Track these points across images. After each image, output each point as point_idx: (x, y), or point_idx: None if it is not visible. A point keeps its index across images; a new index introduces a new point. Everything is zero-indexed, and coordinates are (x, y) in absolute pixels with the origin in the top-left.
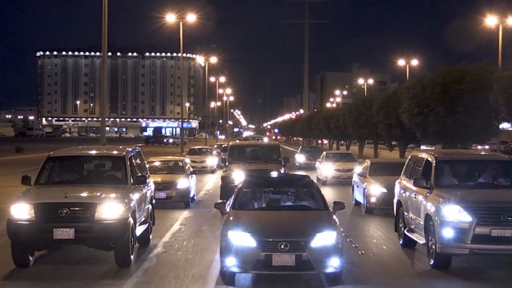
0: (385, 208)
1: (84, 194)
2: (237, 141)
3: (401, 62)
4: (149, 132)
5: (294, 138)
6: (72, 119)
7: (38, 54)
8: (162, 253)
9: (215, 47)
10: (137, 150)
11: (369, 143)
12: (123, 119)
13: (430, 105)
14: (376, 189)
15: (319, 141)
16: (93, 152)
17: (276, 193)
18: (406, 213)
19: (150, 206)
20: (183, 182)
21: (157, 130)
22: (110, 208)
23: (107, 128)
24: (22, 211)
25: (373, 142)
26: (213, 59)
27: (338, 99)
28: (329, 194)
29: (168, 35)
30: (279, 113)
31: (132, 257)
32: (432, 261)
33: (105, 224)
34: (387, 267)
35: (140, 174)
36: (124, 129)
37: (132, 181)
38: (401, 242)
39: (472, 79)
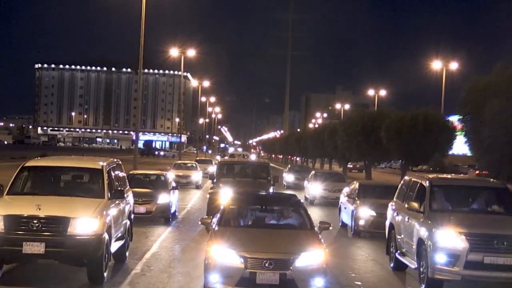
0: (374, 231)
1: (58, 207)
2: (226, 158)
3: (371, 92)
4: (139, 144)
5: (274, 156)
6: (67, 129)
7: (36, 66)
8: (138, 272)
9: (206, 68)
10: (116, 162)
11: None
12: (115, 131)
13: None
14: (365, 212)
15: (292, 158)
16: (70, 163)
17: (263, 211)
18: (398, 236)
19: (128, 222)
20: (164, 197)
21: (148, 143)
22: (84, 223)
23: (99, 140)
24: None
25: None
26: (204, 81)
27: (320, 121)
28: (316, 214)
29: (162, 53)
30: (264, 130)
31: (105, 274)
32: (423, 286)
33: (78, 240)
34: None
35: (118, 188)
36: (115, 141)
37: (109, 195)
38: (392, 265)
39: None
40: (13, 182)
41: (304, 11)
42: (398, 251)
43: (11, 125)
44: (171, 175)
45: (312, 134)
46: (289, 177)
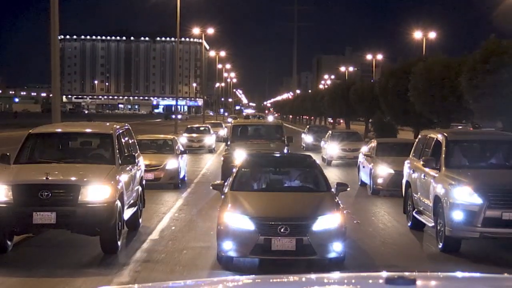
0: (392, 189)
1: (67, 175)
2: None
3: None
4: (159, 109)
5: (292, 116)
6: (90, 97)
7: (58, 37)
8: (153, 240)
9: (221, 36)
10: (126, 127)
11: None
12: (136, 97)
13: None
14: (383, 170)
15: (305, 117)
16: (79, 129)
17: (277, 174)
18: (414, 195)
19: (140, 188)
20: (172, 163)
21: (168, 107)
22: (95, 190)
23: (121, 106)
24: None
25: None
26: (213, 32)
27: (328, 82)
28: (334, 174)
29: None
30: (278, 91)
31: (119, 243)
32: (441, 244)
33: (89, 208)
34: (394, 250)
35: (128, 154)
36: (136, 106)
37: (120, 161)
38: (409, 224)
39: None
40: (20, 150)
41: None
42: (415, 210)
43: (33, 94)
44: (183, 139)
45: (329, 91)
46: (308, 138)
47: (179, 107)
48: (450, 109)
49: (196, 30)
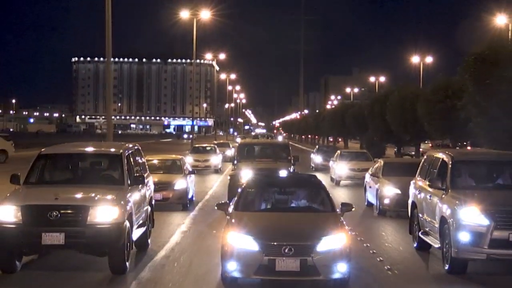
0: (399, 210)
1: (76, 196)
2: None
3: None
4: (170, 129)
5: (298, 136)
6: (103, 117)
7: (73, 60)
8: (161, 260)
9: (231, 58)
10: (136, 147)
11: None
12: (147, 118)
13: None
14: (389, 190)
15: (310, 136)
16: (88, 149)
17: (282, 194)
18: (420, 215)
19: (149, 208)
20: (180, 183)
21: (179, 127)
22: (104, 211)
23: (133, 126)
24: (8, 213)
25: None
26: (223, 56)
27: (335, 102)
28: (343, 194)
29: (189, 43)
30: (287, 111)
31: (127, 263)
32: (447, 266)
33: (98, 229)
34: (400, 271)
35: (138, 174)
36: (148, 126)
37: (129, 181)
38: (415, 245)
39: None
40: (30, 171)
41: None
42: (421, 230)
43: (45, 114)
44: (189, 159)
45: (330, 113)
46: (317, 159)
47: (188, 127)
48: (419, 129)
49: (208, 54)
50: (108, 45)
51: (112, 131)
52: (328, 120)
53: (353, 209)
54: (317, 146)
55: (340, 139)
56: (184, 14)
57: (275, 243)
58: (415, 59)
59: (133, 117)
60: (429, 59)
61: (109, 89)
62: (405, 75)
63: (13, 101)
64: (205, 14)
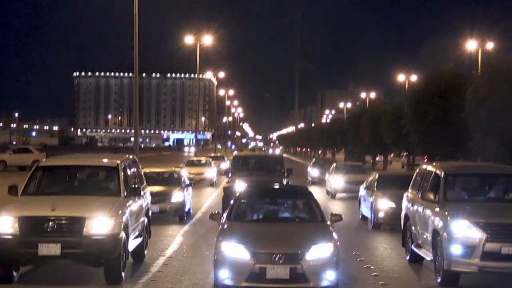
0: (394, 223)
1: (73, 207)
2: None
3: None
4: (170, 142)
5: (293, 148)
6: (104, 130)
7: (74, 74)
8: (157, 271)
9: (227, 70)
10: (132, 159)
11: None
12: (147, 131)
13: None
14: (384, 204)
15: (303, 149)
16: (85, 161)
17: (273, 204)
18: (413, 228)
19: (146, 219)
20: (178, 195)
21: (179, 141)
22: (100, 222)
23: (132, 139)
24: (5, 224)
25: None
26: (222, 73)
27: (330, 116)
28: (338, 207)
29: (187, 58)
30: (284, 124)
31: (123, 274)
32: (439, 278)
33: (94, 240)
34: (392, 283)
35: (135, 185)
36: (147, 139)
37: (125, 192)
38: (408, 257)
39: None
40: (28, 182)
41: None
42: (414, 243)
43: (45, 127)
44: (183, 172)
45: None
46: (314, 172)
47: (187, 140)
48: (384, 143)
49: (208, 73)
50: (135, 63)
51: (138, 145)
52: (317, 134)
53: (342, 219)
54: (313, 159)
55: (328, 151)
56: (188, 39)
57: (265, 252)
58: (401, 78)
59: (133, 130)
60: (413, 78)
61: (136, 103)
62: (398, 90)
63: (16, 114)
64: (207, 39)
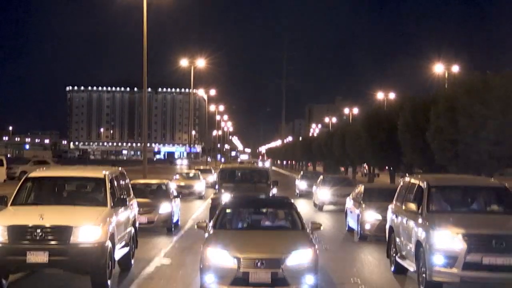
0: (380, 235)
1: (60, 216)
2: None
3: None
4: (161, 155)
5: (280, 161)
6: (96, 143)
7: (67, 88)
8: (143, 279)
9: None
10: (119, 171)
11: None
12: (138, 144)
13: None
14: (370, 216)
15: (289, 162)
16: (73, 173)
17: (256, 214)
18: (397, 239)
19: (133, 229)
20: (165, 207)
21: (170, 154)
22: (86, 231)
23: (125, 152)
24: None
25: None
26: (213, 89)
27: (317, 130)
28: (325, 219)
29: (177, 73)
30: (273, 137)
31: (109, 282)
32: None
33: (81, 248)
34: None
35: (122, 196)
36: (139, 153)
37: (112, 203)
38: (392, 269)
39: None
40: (17, 193)
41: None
42: (398, 254)
43: (36, 140)
44: (172, 185)
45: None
46: (301, 185)
47: (178, 153)
48: (352, 157)
49: (200, 90)
50: (144, 79)
51: (146, 158)
52: (300, 148)
53: (321, 228)
54: (301, 172)
55: (309, 164)
56: (183, 62)
57: (248, 257)
58: (379, 95)
59: (124, 144)
60: (391, 95)
61: (144, 117)
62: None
63: (10, 128)
64: (201, 62)
